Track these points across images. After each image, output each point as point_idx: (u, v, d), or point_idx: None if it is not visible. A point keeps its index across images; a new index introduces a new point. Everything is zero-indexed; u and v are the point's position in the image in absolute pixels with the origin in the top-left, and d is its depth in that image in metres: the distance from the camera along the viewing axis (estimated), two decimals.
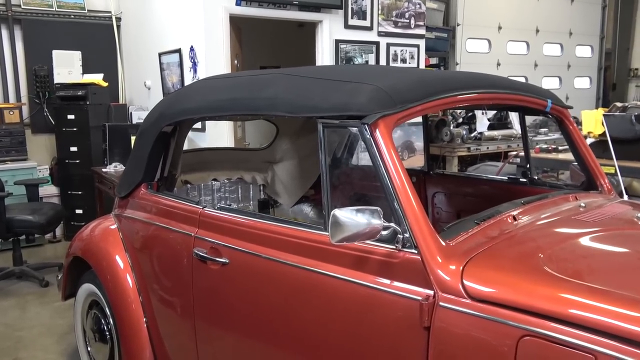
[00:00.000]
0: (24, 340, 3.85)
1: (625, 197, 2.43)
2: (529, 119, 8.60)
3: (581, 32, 11.28)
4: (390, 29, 6.17)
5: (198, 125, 5.30)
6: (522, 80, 10.43)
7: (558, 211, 1.95)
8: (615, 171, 2.57)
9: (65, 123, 6.19)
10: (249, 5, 5.25)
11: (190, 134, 5.52)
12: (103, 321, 2.93)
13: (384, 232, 1.66)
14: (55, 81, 6.37)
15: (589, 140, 4.75)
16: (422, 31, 6.46)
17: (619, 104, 4.41)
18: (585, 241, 1.74)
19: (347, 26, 5.85)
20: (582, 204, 2.04)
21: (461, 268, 1.55)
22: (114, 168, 5.48)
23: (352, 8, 5.85)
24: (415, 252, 1.61)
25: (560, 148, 4.95)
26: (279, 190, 3.89)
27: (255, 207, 3.71)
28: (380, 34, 6.10)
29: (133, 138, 5.86)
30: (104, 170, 5.50)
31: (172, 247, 2.42)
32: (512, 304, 1.43)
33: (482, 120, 7.49)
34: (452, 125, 7.50)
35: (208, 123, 5.20)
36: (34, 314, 4.32)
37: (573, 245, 1.71)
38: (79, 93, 6.10)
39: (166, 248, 2.48)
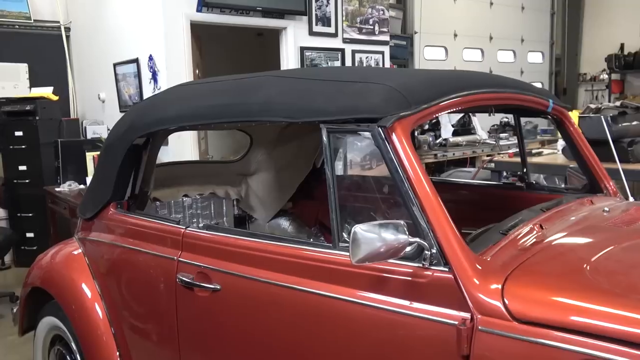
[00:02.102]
0: None
1: (631, 199, 2.32)
2: (487, 125, 8.66)
3: (532, 38, 11.51)
4: (355, 35, 6.04)
5: None
6: None
7: (583, 217, 1.81)
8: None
9: (12, 140, 5.75)
10: (211, 11, 5.01)
11: None
12: (68, 358, 2.62)
13: (408, 249, 1.47)
14: (0, 96, 5.93)
15: (561, 143, 4.72)
16: (386, 37, 6.37)
17: (592, 106, 4.39)
18: (626, 249, 1.60)
19: (311, 33, 5.69)
20: (606, 208, 1.90)
21: (501, 287, 1.38)
22: (69, 187, 5.10)
23: (316, 14, 5.69)
24: (446, 269, 1.43)
25: (534, 152, 4.90)
26: (254, 204, 3.65)
27: (230, 223, 3.47)
28: (345, 40, 5.96)
29: (89, 154, 5.50)
30: (57, 189, 5.12)
31: (149, 272, 2.15)
32: (567, 325, 1.26)
33: (447, 127, 7.45)
34: (417, 132, 7.44)
35: (171, 136, 4.91)
36: None
37: (616, 254, 1.56)
38: (26, 108, 5.68)
39: (142, 274, 2.21)
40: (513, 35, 11.16)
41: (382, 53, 6.32)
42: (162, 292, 2.10)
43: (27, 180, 5.76)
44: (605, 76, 11.60)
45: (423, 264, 1.45)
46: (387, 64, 6.38)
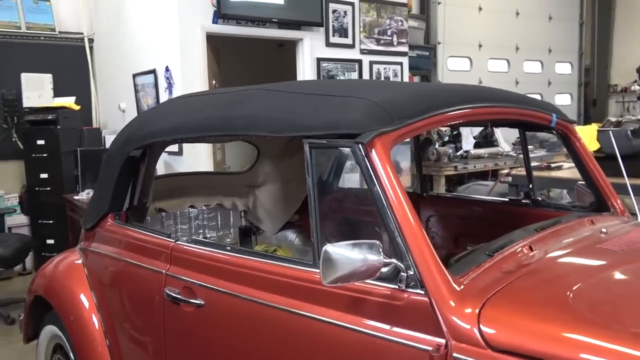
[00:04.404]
0: None
1: None
2: (512, 137, 8.50)
3: (560, 49, 11.29)
4: (373, 46, 6.00)
5: (174, 148, 5.05)
6: None
7: (578, 239, 1.73)
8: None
9: (34, 149, 5.87)
10: (227, 23, 5.04)
11: (167, 157, 5.29)
12: None
13: (384, 269, 1.42)
14: (25, 105, 6.07)
15: None
16: (404, 48, 6.31)
17: (612, 119, 4.26)
18: (617, 275, 1.52)
19: (328, 44, 5.67)
20: (603, 230, 1.82)
21: (477, 311, 1.32)
22: (87, 195, 5.18)
23: (333, 25, 5.67)
24: (422, 292, 1.37)
25: (552, 165, 4.78)
26: (261, 216, 3.63)
27: (235, 234, 3.45)
28: (362, 51, 5.93)
29: None
30: (76, 197, 5.20)
31: (140, 285, 2.15)
32: (542, 355, 1.20)
33: (468, 139, 7.34)
34: (437, 144, 7.34)
35: (185, 146, 4.95)
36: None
37: (605, 280, 1.48)
38: (49, 117, 5.80)
39: (134, 286, 2.21)
40: (540, 46, 10.97)
41: (401, 64, 6.26)
42: (151, 305, 2.08)
43: (48, 188, 5.86)
44: (637, 87, 11.30)
45: (399, 286, 1.41)
46: (406, 75, 6.32)
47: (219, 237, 3.46)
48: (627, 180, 2.28)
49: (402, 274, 1.40)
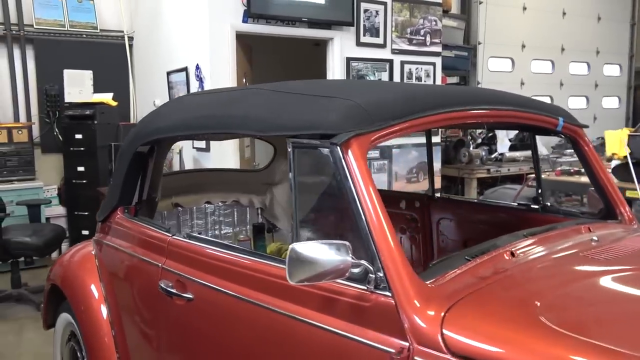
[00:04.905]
0: None
1: None
2: (552, 140, 8.27)
3: (609, 50, 10.91)
4: (405, 46, 5.96)
5: (202, 144, 5.15)
6: (547, 100, 10.11)
7: (565, 246, 1.68)
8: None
9: (73, 142, 6.09)
10: (256, 22, 5.10)
11: (195, 153, 5.40)
12: (79, 354, 2.73)
13: (355, 270, 1.42)
14: (66, 100, 6.31)
15: (613, 163, 4.44)
16: (438, 49, 6.23)
17: None
18: (594, 284, 1.47)
19: (359, 43, 5.66)
20: (595, 238, 1.76)
21: (442, 314, 1.31)
22: None
23: (364, 25, 5.66)
24: (389, 294, 1.37)
25: (582, 170, 4.62)
26: (278, 213, 3.67)
27: (249, 231, 3.50)
28: (394, 51, 5.89)
29: None
30: None
31: (140, 278, 2.21)
32: None
33: (504, 141, 7.19)
34: (471, 146, 7.23)
35: (213, 142, 5.04)
36: (25, 340, 4.15)
37: (580, 289, 1.44)
38: (86, 112, 6.00)
39: (135, 279, 2.28)
40: (587, 47, 10.63)
41: (434, 64, 6.19)
42: (149, 297, 2.14)
43: (84, 181, 6.07)
44: None
45: (368, 287, 1.40)
46: (439, 76, 6.24)
47: (235, 234, 3.52)
48: (637, 186, 2.19)
49: (371, 275, 1.39)
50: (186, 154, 5.46)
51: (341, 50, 5.56)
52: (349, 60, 5.61)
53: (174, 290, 1.97)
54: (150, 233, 2.22)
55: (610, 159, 4.32)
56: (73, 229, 6.07)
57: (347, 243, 1.38)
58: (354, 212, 1.45)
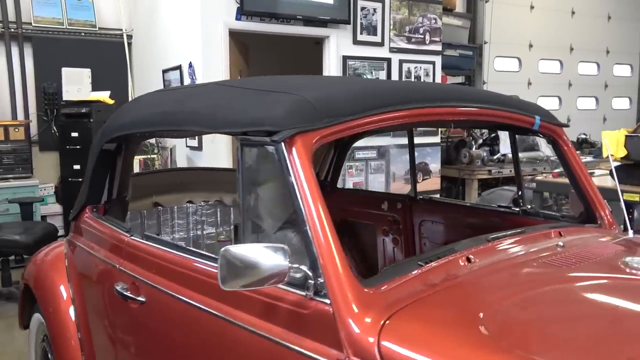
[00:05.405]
0: None
1: (631, 234, 2.02)
2: None
3: (619, 50, 10.72)
4: (403, 44, 5.86)
5: (194, 143, 5.09)
6: (556, 100, 9.95)
7: (527, 252, 1.59)
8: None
9: (69, 141, 6.07)
10: (250, 20, 5.03)
11: (188, 152, 5.34)
12: (50, 356, 2.68)
13: (298, 275, 1.35)
14: (64, 98, 6.29)
15: (614, 164, 4.31)
16: (437, 47, 6.12)
17: None
18: (546, 294, 1.37)
19: (356, 42, 5.57)
20: (561, 243, 1.66)
21: (382, 323, 1.22)
22: None
23: (361, 23, 5.57)
24: (328, 302, 1.29)
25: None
26: (263, 214, 3.59)
27: (232, 232, 3.43)
28: (392, 50, 5.79)
29: (135, 157, 5.71)
30: None
31: (100, 279, 2.15)
32: None
33: (506, 142, 7.05)
34: (474, 147, 7.10)
35: (205, 141, 4.98)
36: (10, 339, 4.12)
37: (530, 298, 1.34)
38: (82, 110, 5.97)
39: (97, 280, 2.22)
40: (597, 47, 10.45)
41: (433, 63, 6.08)
42: (107, 300, 2.08)
43: (80, 179, 5.99)
44: None
45: (307, 294, 1.32)
46: (439, 75, 6.13)
47: (217, 234, 3.45)
48: (618, 187, 2.09)
49: (310, 281, 1.31)
50: (179, 153, 5.41)
51: (337, 49, 5.48)
52: (345, 58, 5.52)
53: (127, 293, 1.90)
54: (109, 233, 2.16)
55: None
56: (69, 227, 6.04)
57: (286, 247, 1.31)
58: (297, 214, 1.37)
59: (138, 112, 2.13)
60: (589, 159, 7.47)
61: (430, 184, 6.15)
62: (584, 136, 8.54)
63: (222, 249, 1.27)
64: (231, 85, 1.79)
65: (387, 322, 1.22)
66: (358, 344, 1.21)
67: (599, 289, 1.42)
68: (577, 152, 6.91)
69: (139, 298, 1.85)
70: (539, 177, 4.55)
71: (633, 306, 1.35)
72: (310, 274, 1.31)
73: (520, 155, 7.13)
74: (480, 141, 6.81)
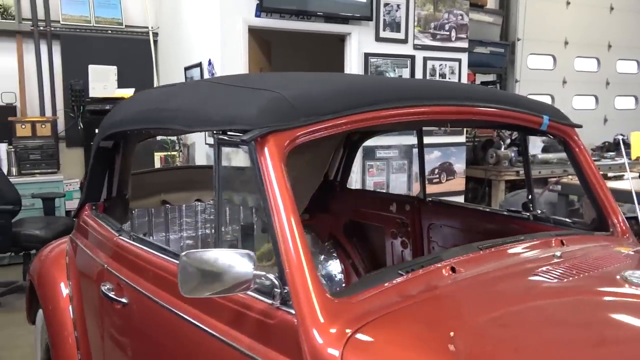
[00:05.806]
0: None
1: None
2: (591, 141, 7.83)
3: None
4: (428, 41, 5.71)
5: (210, 140, 5.06)
6: (592, 99, 9.61)
7: (518, 263, 1.47)
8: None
9: (93, 137, 6.07)
10: (270, 16, 4.97)
11: (207, 150, 5.32)
12: (51, 352, 2.67)
13: (267, 283, 1.27)
14: (90, 95, 6.37)
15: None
16: (464, 44, 5.95)
17: None
18: (528, 312, 1.26)
19: (378, 39, 5.45)
20: (558, 254, 1.54)
21: (347, 337, 1.14)
22: None
23: (384, 19, 5.45)
24: (293, 311, 1.21)
25: (609, 175, 4.30)
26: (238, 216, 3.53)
27: (237, 231, 3.38)
28: (416, 47, 5.66)
29: (157, 154, 5.73)
30: None
31: (92, 278, 2.12)
32: None
33: (536, 142, 6.83)
34: (502, 147, 6.90)
35: None
36: (26, 332, 4.16)
37: (509, 314, 1.24)
38: (107, 107, 6.01)
39: (90, 279, 2.19)
40: (637, 44, 10.03)
41: (459, 61, 5.91)
42: (97, 299, 2.05)
43: None
44: None
45: (273, 303, 1.25)
46: (464, 73, 5.97)
47: (225, 233, 3.40)
48: (633, 192, 1.95)
49: (276, 290, 1.24)
50: (198, 150, 5.41)
51: (359, 46, 5.38)
52: (367, 55, 5.41)
53: (111, 294, 1.87)
54: (101, 232, 2.13)
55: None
56: None
57: (252, 253, 1.23)
58: (267, 218, 1.30)
59: (129, 110, 2.09)
60: (622, 160, 7.18)
61: (455, 185, 6.00)
62: (621, 137, 8.22)
63: (183, 253, 1.21)
64: (219, 82, 1.72)
65: (354, 335, 1.14)
66: (320, 355, 1.13)
67: (588, 307, 1.30)
68: (613, 153, 6.62)
69: (122, 299, 1.81)
70: (564, 180, 4.35)
71: (625, 329, 1.22)
72: (277, 282, 1.24)
73: (550, 155, 6.94)
74: (509, 141, 6.60)
